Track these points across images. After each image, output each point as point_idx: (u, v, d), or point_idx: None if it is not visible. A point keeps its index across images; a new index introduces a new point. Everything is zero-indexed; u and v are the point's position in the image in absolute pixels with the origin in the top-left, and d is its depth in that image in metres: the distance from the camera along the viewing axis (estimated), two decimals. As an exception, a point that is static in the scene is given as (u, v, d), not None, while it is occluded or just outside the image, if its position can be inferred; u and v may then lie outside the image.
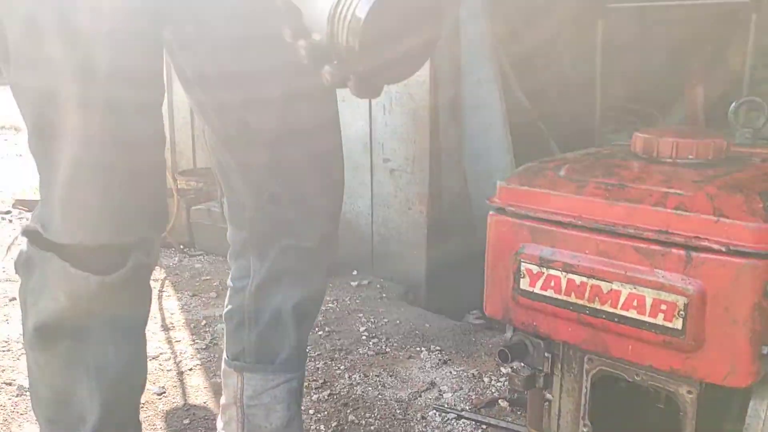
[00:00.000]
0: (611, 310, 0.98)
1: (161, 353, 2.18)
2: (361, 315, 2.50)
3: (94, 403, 1.02)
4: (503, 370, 2.08)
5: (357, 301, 2.64)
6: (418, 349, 2.23)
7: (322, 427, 1.77)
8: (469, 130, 3.18)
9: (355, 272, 2.93)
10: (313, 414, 1.82)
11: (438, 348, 2.24)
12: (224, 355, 1.36)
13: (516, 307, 1.09)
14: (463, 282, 2.50)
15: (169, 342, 2.28)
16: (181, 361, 2.14)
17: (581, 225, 1.00)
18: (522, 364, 1.20)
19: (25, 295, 1.03)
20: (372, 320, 2.45)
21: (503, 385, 1.99)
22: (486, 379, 2.03)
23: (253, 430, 1.32)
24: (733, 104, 1.23)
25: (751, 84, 3.10)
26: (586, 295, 1.00)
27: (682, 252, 0.91)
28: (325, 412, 1.83)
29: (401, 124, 3.02)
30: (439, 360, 2.16)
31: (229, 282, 1.35)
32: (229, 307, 1.32)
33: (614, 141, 4.11)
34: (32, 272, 1.01)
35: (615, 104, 4.04)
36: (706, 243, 0.89)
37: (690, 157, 1.05)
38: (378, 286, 2.80)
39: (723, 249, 0.88)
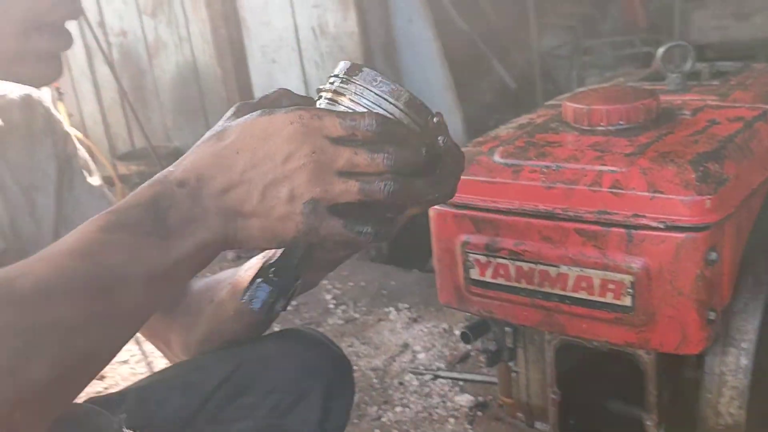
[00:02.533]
0: (562, 292, 0.98)
1: (131, 356, 2.17)
2: (326, 282, 2.50)
3: None
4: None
5: (320, 266, 2.63)
6: (386, 309, 2.25)
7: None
8: (406, 71, 3.12)
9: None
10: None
11: (406, 306, 2.26)
12: None
13: (470, 296, 1.09)
14: (423, 226, 2.50)
15: (138, 343, 2.26)
16: (152, 362, 2.13)
17: (522, 212, 1.00)
18: (485, 341, 1.21)
19: None
20: (338, 286, 2.46)
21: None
22: (457, 332, 2.07)
23: None
24: (661, 49, 1.21)
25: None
26: (536, 280, 1.00)
27: (622, 231, 0.91)
28: (304, 394, 1.85)
29: (336, 78, 2.95)
30: (409, 318, 2.18)
31: None
32: None
33: (548, 43, 4.02)
34: None
35: (551, 8, 3.98)
36: (644, 221, 0.89)
37: (621, 122, 1.03)
38: (339, 246, 2.79)
39: (661, 226, 0.88)
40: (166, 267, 0.52)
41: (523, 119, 1.21)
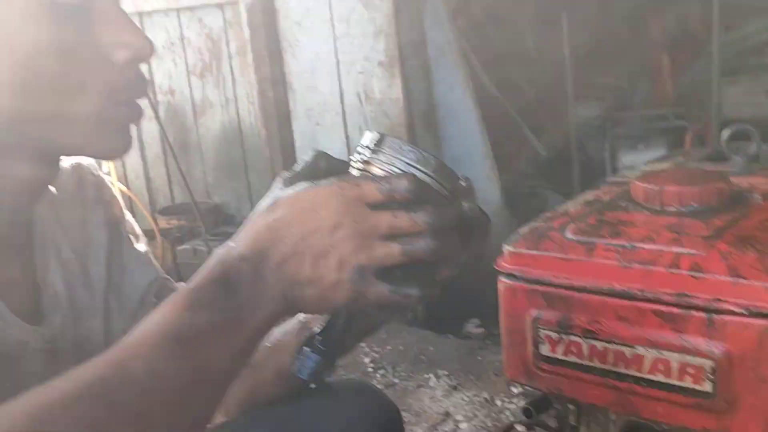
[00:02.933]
0: (637, 374, 0.97)
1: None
2: (363, 344, 2.49)
3: None
4: (514, 389, 2.08)
5: (357, 329, 2.63)
6: (426, 376, 2.23)
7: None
8: (446, 138, 3.16)
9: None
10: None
11: (445, 372, 2.24)
12: None
13: (538, 372, 1.08)
14: (458, 292, 2.50)
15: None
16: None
17: (597, 290, 1.00)
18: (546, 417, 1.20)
19: None
20: (375, 349, 2.45)
21: (516, 406, 2.00)
22: (498, 403, 2.04)
23: None
24: (724, 131, 1.23)
25: (719, 50, 3.13)
26: (610, 359, 0.99)
27: (703, 315, 0.91)
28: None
29: (379, 142, 3.00)
30: (449, 386, 2.16)
31: None
32: None
33: (581, 114, 4.05)
34: None
35: (583, 80, 4.05)
36: (726, 305, 0.89)
37: (694, 204, 1.04)
38: (376, 310, 2.79)
39: (744, 311, 0.88)
40: (243, 341, 0.56)
41: (589, 195, 1.23)
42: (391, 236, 0.56)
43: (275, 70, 3.18)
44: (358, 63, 3.00)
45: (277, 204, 0.58)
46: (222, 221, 3.61)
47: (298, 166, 0.62)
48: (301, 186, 0.58)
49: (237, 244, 0.57)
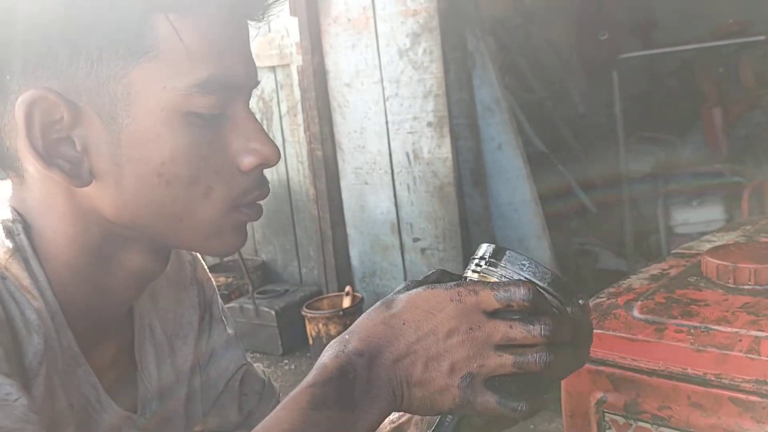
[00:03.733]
0: (714, 466, 0.90)
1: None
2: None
3: None
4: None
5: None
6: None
7: None
8: (494, 196, 3.14)
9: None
10: None
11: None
12: None
13: (604, 459, 1.02)
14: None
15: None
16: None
17: (668, 374, 0.94)
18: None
19: None
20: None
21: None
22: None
23: None
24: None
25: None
26: (683, 449, 0.93)
27: (786, 406, 0.85)
28: None
29: (427, 202, 2.99)
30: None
31: None
32: None
33: (632, 168, 3.98)
34: None
35: (631, 134, 4.00)
36: (813, 397, 0.83)
37: (771, 283, 0.98)
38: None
39: (834, 404, 0.81)
40: None
41: (654, 269, 1.18)
42: (505, 347, 0.56)
43: (324, 129, 3.23)
44: (407, 123, 3.02)
45: (395, 302, 0.58)
46: (269, 279, 3.62)
47: (419, 277, 0.62)
48: (420, 288, 0.58)
49: (351, 337, 0.57)
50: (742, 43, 3.57)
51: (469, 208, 2.96)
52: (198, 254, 0.86)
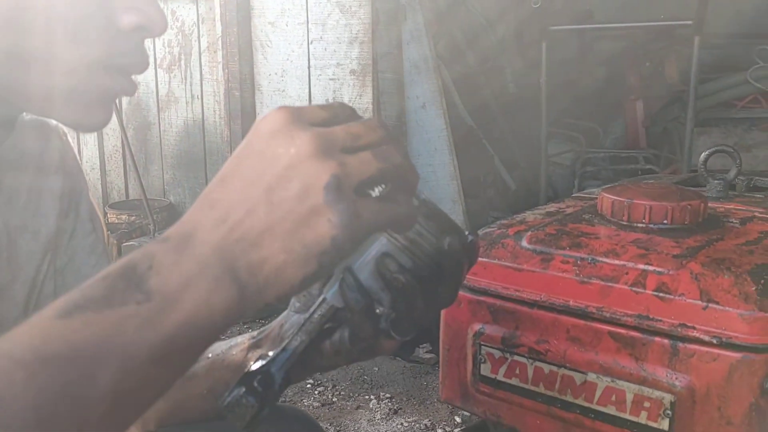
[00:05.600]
0: (586, 404, 0.85)
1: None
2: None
3: None
4: (457, 419, 1.95)
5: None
6: (367, 397, 2.09)
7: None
8: (413, 155, 3.06)
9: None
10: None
11: (388, 395, 2.10)
12: None
13: (476, 395, 0.96)
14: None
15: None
16: None
17: (549, 305, 0.88)
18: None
19: None
20: (317, 366, 2.30)
21: (458, 436, 1.87)
22: (440, 431, 1.90)
23: None
24: (705, 153, 1.13)
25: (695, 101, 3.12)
26: (557, 386, 0.87)
27: (666, 342, 0.80)
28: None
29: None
30: (389, 409, 2.02)
31: None
32: None
33: (555, 154, 4.05)
34: None
35: (557, 119, 4.03)
36: (694, 333, 0.78)
37: (665, 222, 0.93)
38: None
39: (714, 341, 0.77)
40: (155, 342, 0.40)
41: (551, 207, 1.12)
42: (356, 147, 0.43)
43: (244, 70, 3.07)
44: (330, 69, 2.90)
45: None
46: (174, 220, 3.45)
47: None
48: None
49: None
50: (670, 41, 3.62)
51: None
52: (69, 141, 0.73)
